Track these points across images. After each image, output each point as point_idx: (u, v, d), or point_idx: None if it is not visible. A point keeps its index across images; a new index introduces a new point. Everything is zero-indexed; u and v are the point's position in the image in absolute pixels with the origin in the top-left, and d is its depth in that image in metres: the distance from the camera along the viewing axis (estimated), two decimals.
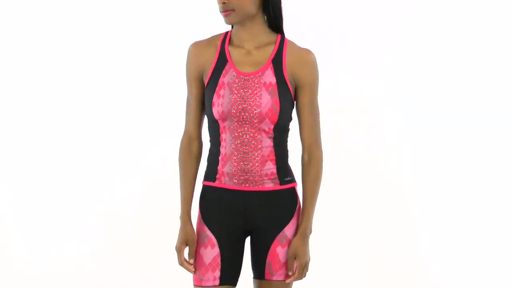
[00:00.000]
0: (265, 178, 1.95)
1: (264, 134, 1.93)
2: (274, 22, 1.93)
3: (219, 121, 1.92)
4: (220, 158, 1.95)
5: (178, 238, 1.99)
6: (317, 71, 1.97)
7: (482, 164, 3.55)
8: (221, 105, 1.89)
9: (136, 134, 3.59)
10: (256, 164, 1.93)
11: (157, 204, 3.54)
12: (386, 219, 3.55)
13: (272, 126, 1.92)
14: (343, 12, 3.52)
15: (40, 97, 3.56)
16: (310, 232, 2.00)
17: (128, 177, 3.58)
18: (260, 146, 1.93)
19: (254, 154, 1.93)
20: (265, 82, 1.89)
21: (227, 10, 1.86)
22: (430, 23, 3.53)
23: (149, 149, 3.58)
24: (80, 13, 3.54)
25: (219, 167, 1.95)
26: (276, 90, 1.90)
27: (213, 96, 1.91)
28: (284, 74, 1.91)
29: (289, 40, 1.96)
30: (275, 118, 1.91)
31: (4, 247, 3.55)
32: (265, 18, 1.92)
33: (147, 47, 3.56)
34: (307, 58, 1.95)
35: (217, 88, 1.91)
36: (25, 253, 3.54)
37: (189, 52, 1.98)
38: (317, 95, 1.99)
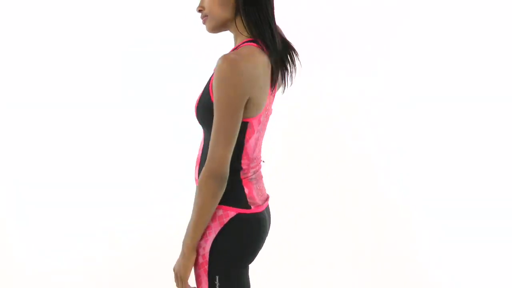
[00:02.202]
0: (195, 180, 1.94)
1: (203, 136, 1.92)
2: (248, 28, 1.85)
3: None
4: None
5: None
6: (219, 80, 1.73)
7: (482, 165, 3.56)
8: None
9: (140, 135, 3.60)
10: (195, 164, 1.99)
11: (158, 204, 3.55)
12: (386, 219, 3.56)
13: (204, 129, 1.89)
14: (343, 12, 3.52)
15: (45, 97, 3.56)
16: (187, 251, 1.84)
17: (130, 177, 3.59)
18: (200, 147, 1.93)
19: (197, 154, 1.97)
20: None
21: (203, 16, 1.87)
22: (429, 24, 3.53)
23: (151, 150, 3.59)
24: (83, 12, 3.55)
25: None
26: (202, 91, 1.86)
27: None
28: (212, 77, 1.83)
29: (244, 46, 1.82)
30: (196, 117, 1.89)
31: (4, 247, 3.56)
32: (242, 23, 1.86)
33: (149, 49, 3.57)
34: (217, 65, 1.75)
35: None
36: (25, 254, 3.55)
37: None
38: (220, 107, 1.74)
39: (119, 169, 3.59)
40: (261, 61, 1.78)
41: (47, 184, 3.58)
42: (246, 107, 1.77)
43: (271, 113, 1.93)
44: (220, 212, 1.84)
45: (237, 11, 1.84)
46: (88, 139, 3.58)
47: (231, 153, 1.76)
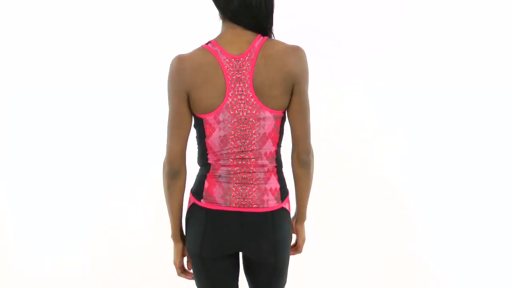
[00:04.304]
0: None
1: None
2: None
3: None
4: None
5: None
6: None
7: (482, 164, 3.56)
8: None
9: (142, 133, 3.60)
10: None
11: (160, 207, 3.55)
12: (385, 219, 3.56)
13: None
14: (340, 14, 3.52)
15: (47, 97, 3.57)
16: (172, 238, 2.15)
17: (131, 179, 3.59)
18: None
19: None
20: None
21: None
22: (428, 24, 3.53)
23: (152, 148, 3.59)
24: (86, 13, 3.55)
25: None
26: None
27: None
28: None
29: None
30: None
31: (4, 248, 3.56)
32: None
33: (154, 49, 3.57)
34: None
35: None
36: (25, 255, 3.55)
37: None
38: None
39: (124, 171, 3.60)
40: (199, 61, 1.88)
41: (48, 186, 3.58)
42: (191, 104, 1.88)
43: (253, 117, 1.91)
44: (188, 199, 2.02)
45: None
46: (92, 140, 3.59)
47: (180, 145, 1.91)
